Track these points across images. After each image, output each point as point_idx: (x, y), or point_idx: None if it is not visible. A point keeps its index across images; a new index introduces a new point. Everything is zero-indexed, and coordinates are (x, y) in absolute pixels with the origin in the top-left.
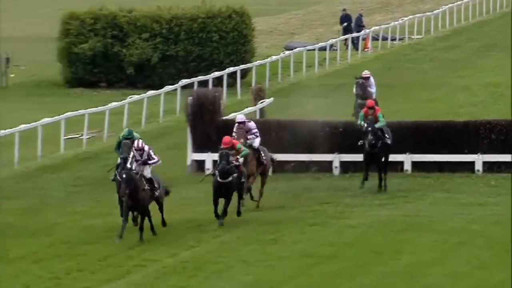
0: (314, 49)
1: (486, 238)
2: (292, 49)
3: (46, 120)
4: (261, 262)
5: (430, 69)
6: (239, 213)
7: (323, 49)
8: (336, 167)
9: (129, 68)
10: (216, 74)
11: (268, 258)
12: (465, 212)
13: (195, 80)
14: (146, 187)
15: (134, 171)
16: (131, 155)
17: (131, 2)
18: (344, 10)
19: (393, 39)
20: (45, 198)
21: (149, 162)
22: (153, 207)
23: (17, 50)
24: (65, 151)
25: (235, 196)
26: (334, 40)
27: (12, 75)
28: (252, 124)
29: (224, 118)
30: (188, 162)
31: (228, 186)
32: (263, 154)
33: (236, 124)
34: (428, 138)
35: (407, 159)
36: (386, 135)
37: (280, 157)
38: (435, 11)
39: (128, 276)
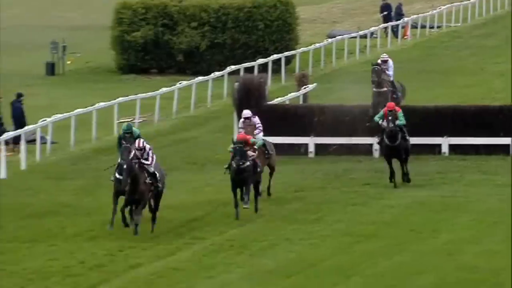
0: (355, 37)
1: None
2: (334, 37)
3: (101, 104)
4: (304, 240)
5: (467, 56)
6: (256, 210)
7: (364, 36)
8: (376, 150)
9: (178, 55)
10: (262, 61)
11: (311, 237)
12: (501, 193)
13: (241, 66)
14: (148, 180)
15: (135, 161)
16: (131, 156)
17: None
18: None
19: (431, 27)
20: (100, 179)
21: (144, 162)
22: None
23: (73, 38)
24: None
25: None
26: (374, 28)
27: (68, 62)
28: (256, 119)
29: (268, 103)
30: None
31: (244, 173)
32: (268, 146)
33: (242, 120)
34: (465, 122)
35: (444, 142)
36: (406, 135)
37: (322, 140)
38: (472, 0)
39: (178, 253)
